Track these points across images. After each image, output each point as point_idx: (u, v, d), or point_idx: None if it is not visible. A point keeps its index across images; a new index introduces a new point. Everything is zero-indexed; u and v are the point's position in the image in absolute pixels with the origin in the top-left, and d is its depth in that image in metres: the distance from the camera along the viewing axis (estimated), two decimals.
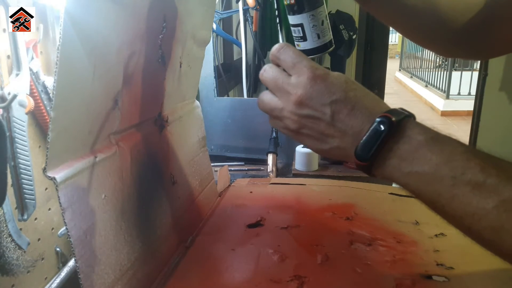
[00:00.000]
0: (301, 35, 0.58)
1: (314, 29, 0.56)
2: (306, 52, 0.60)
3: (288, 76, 0.45)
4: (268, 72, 0.47)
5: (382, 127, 0.39)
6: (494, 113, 3.16)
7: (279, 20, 1.59)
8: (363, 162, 0.40)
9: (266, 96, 0.48)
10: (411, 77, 8.04)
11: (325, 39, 0.57)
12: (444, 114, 5.83)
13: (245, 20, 1.85)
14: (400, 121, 0.39)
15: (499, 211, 0.34)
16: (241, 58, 1.81)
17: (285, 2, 0.58)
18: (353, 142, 0.41)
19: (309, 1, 0.55)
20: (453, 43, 0.67)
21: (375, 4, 0.64)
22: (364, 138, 0.40)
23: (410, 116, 0.41)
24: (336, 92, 0.42)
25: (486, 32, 0.62)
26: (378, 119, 0.39)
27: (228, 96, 1.80)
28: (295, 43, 0.61)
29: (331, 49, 0.58)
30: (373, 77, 2.55)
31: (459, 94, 5.93)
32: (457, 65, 6.29)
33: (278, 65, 0.47)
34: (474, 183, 0.36)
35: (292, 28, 0.59)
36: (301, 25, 0.57)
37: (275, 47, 0.47)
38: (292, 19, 0.58)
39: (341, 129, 0.42)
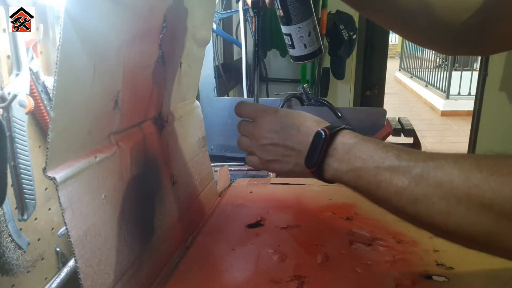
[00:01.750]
0: (290, 43, 0.65)
1: (301, 39, 0.63)
2: (295, 59, 0.67)
3: (250, 122, 0.59)
4: (239, 124, 0.62)
5: (321, 138, 0.49)
6: (494, 113, 3.16)
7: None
8: (312, 169, 0.50)
9: (241, 140, 0.61)
10: (411, 77, 8.04)
11: (312, 48, 0.63)
12: (444, 114, 5.83)
13: (245, 20, 1.85)
14: (334, 132, 0.49)
15: (411, 186, 0.41)
16: (241, 58, 1.81)
17: (277, 14, 0.63)
18: (304, 155, 0.51)
19: (296, 15, 0.61)
20: (452, 41, 0.68)
21: (371, 10, 0.66)
22: (308, 149, 0.50)
23: (345, 128, 0.50)
24: (284, 121, 0.54)
25: (484, 30, 0.63)
26: (317, 132, 0.50)
27: (228, 96, 1.80)
28: (287, 48, 0.67)
29: (319, 55, 0.65)
30: (373, 77, 2.55)
31: (459, 94, 5.93)
32: (457, 65, 6.29)
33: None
34: (392, 168, 0.43)
35: (284, 36, 0.65)
36: (289, 35, 0.63)
37: (236, 106, 0.63)
38: (283, 29, 0.64)
39: (294, 147, 0.52)
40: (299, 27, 0.62)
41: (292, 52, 0.66)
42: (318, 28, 0.63)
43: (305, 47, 0.63)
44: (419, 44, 0.76)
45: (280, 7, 0.62)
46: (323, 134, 0.49)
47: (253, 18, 1.88)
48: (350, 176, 0.48)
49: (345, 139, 0.49)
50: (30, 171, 0.64)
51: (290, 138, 0.53)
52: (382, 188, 0.44)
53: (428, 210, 0.40)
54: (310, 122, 0.52)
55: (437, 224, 0.41)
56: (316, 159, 0.49)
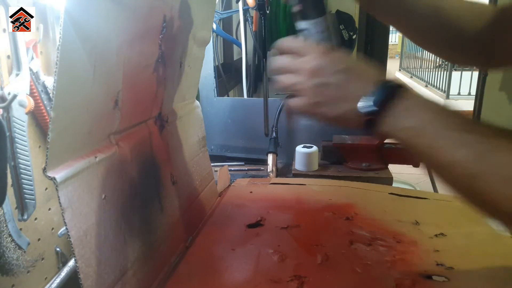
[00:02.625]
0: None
1: (317, 35, 0.59)
2: None
3: (296, 58, 0.52)
4: (280, 59, 0.54)
5: (385, 88, 0.46)
6: (494, 113, 3.16)
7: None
8: (367, 117, 0.47)
9: (282, 78, 0.53)
10: (411, 77, 8.04)
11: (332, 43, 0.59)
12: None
13: (245, 20, 1.85)
14: (399, 85, 0.46)
15: (473, 161, 0.40)
16: (241, 58, 1.81)
17: (293, 8, 0.60)
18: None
19: (311, 11, 0.59)
20: (460, 49, 0.67)
21: (379, 8, 0.65)
22: (371, 96, 0.46)
23: (406, 88, 0.48)
24: (345, 62, 0.49)
25: (493, 42, 0.62)
26: (382, 82, 0.46)
27: (228, 96, 1.80)
28: None
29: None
30: None
31: (459, 94, 5.92)
32: (457, 65, 6.28)
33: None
34: (456, 137, 0.42)
35: (299, 33, 0.62)
36: (306, 29, 0.60)
37: (280, 40, 0.54)
38: (299, 24, 0.61)
39: (352, 91, 0.48)
40: (315, 23, 0.59)
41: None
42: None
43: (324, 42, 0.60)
44: (422, 46, 0.75)
45: (297, 1, 0.59)
46: (389, 87, 0.46)
47: (254, 18, 1.88)
48: (408, 134, 0.45)
49: (409, 95, 0.46)
50: (30, 171, 0.64)
51: (350, 81, 0.48)
52: (441, 155, 0.42)
53: (486, 188, 0.39)
54: (373, 70, 0.49)
55: (491, 203, 0.40)
56: (375, 109, 0.46)
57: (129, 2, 0.52)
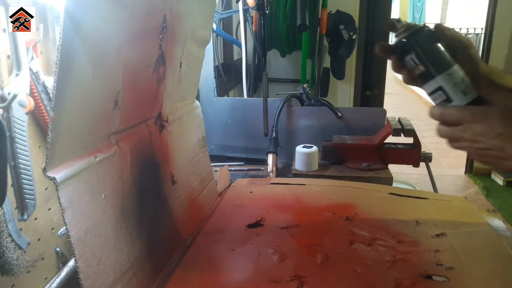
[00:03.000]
0: (445, 97, 0.55)
1: (457, 86, 0.54)
2: None
3: (456, 127, 0.54)
4: (440, 131, 0.57)
5: None
6: None
7: None
8: None
9: (450, 145, 0.57)
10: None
11: (474, 93, 0.53)
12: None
13: (245, 20, 1.85)
14: None
15: None
16: (241, 58, 1.81)
17: (414, 74, 0.56)
18: None
19: (440, 63, 0.54)
20: None
21: None
22: None
23: None
24: (500, 126, 0.51)
25: None
26: None
27: (228, 96, 1.80)
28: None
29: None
30: (373, 77, 2.55)
31: None
32: None
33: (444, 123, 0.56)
34: None
35: (432, 96, 0.57)
36: (440, 88, 0.55)
37: (432, 111, 0.56)
38: (429, 87, 0.56)
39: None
40: (449, 74, 0.53)
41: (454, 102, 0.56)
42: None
43: (465, 94, 0.53)
44: None
45: (418, 62, 0.54)
46: None
47: (254, 18, 1.88)
48: None
49: None
50: (30, 171, 0.64)
51: (509, 143, 0.51)
52: None
53: None
54: None
55: None
56: None
57: (129, 2, 0.52)
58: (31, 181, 0.64)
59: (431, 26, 0.56)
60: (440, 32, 0.56)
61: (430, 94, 0.57)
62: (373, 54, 2.48)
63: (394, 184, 1.10)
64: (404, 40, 0.55)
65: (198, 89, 1.15)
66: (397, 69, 0.59)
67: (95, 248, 0.49)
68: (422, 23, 0.55)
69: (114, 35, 0.50)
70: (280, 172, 1.22)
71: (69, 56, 0.42)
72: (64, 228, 0.45)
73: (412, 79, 0.59)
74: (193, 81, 0.90)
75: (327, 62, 2.23)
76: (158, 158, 0.70)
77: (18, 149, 0.61)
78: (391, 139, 1.15)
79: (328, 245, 0.72)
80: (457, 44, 0.55)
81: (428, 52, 0.54)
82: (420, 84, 0.58)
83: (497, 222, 0.80)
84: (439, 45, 0.54)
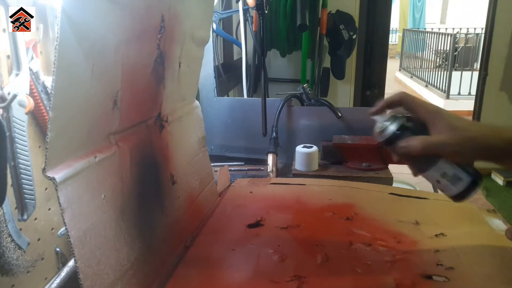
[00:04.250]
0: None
1: (436, 184, 0.57)
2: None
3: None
4: None
5: None
6: (494, 113, 3.16)
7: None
8: None
9: None
10: (411, 77, 8.03)
11: (451, 192, 0.57)
12: None
13: (245, 20, 1.85)
14: None
15: None
16: (241, 58, 1.81)
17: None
18: None
19: (414, 166, 0.58)
20: None
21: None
22: None
23: None
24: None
25: None
26: None
27: (228, 96, 1.80)
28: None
29: (466, 196, 0.57)
30: (373, 77, 2.55)
31: (459, 94, 5.92)
32: (457, 65, 6.29)
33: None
34: None
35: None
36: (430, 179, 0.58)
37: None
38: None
39: None
40: (425, 175, 0.57)
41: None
42: (453, 170, 0.55)
43: (443, 191, 0.58)
44: None
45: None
46: None
47: (254, 18, 1.88)
48: None
49: None
50: (30, 171, 0.64)
51: None
52: None
53: None
54: None
55: None
56: None
57: (127, 1, 0.52)
58: (31, 181, 0.64)
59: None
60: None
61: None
62: (373, 54, 2.48)
63: (394, 184, 1.10)
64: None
65: (198, 89, 1.15)
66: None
67: (94, 248, 0.49)
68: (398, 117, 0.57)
69: (112, 34, 0.50)
70: (280, 172, 1.22)
71: (66, 56, 0.42)
72: (64, 228, 0.44)
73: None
74: (193, 81, 0.90)
75: (327, 62, 2.23)
76: (158, 158, 0.70)
77: (18, 149, 0.61)
78: None
79: (328, 245, 0.72)
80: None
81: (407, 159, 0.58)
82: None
83: (497, 222, 0.80)
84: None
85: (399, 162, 0.60)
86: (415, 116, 0.57)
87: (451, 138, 0.52)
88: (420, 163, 0.57)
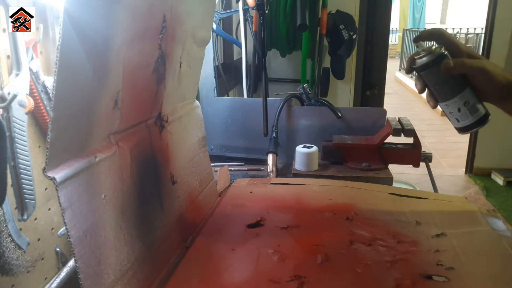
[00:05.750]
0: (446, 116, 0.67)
1: (452, 115, 0.65)
2: (457, 130, 0.68)
3: None
4: None
5: None
6: (494, 113, 3.16)
7: None
8: None
9: None
10: (411, 77, 8.04)
11: (466, 122, 0.64)
12: (444, 114, 5.83)
13: (245, 20, 1.85)
14: None
15: None
16: (241, 58, 1.81)
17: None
18: None
19: (440, 95, 0.64)
20: None
21: None
22: None
23: None
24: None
25: None
26: None
27: (228, 96, 1.80)
28: None
29: (482, 125, 0.65)
30: (373, 77, 2.55)
31: None
32: None
33: None
34: None
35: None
36: (442, 109, 0.66)
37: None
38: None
39: None
40: (446, 105, 0.64)
41: (451, 122, 0.68)
42: (474, 100, 0.63)
43: (458, 121, 0.65)
44: None
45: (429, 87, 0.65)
46: None
47: (254, 18, 1.88)
48: None
49: None
50: (30, 171, 0.64)
51: None
52: None
53: None
54: None
55: None
56: None
57: (129, 2, 0.52)
58: (31, 181, 0.64)
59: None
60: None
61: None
62: (373, 54, 2.48)
63: (394, 184, 1.10)
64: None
65: (198, 89, 1.15)
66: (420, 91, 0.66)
67: (95, 248, 0.49)
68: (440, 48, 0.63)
69: (114, 35, 0.50)
70: (280, 172, 1.22)
71: (68, 56, 0.42)
72: (64, 228, 0.44)
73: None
74: (193, 81, 0.90)
75: (327, 62, 2.23)
76: (158, 158, 0.70)
77: (18, 149, 0.61)
78: (391, 139, 1.15)
79: (328, 245, 0.72)
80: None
81: (429, 87, 0.65)
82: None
83: (497, 222, 0.80)
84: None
85: (423, 90, 0.65)
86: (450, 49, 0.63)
87: (489, 64, 0.61)
88: (449, 88, 0.63)
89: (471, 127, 0.65)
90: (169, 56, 0.69)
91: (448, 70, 0.61)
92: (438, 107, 0.67)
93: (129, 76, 0.56)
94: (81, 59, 0.44)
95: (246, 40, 1.82)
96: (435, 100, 0.65)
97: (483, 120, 0.64)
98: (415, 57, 0.64)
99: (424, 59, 0.63)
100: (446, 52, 0.62)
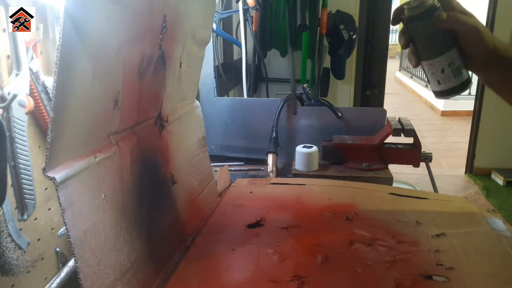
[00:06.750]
0: (426, 78, 0.64)
1: (433, 75, 0.60)
2: (434, 94, 0.63)
3: None
4: None
5: None
6: (494, 113, 3.16)
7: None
8: None
9: None
10: (411, 77, 8.04)
11: (448, 85, 0.60)
12: (444, 114, 5.82)
13: (245, 20, 1.85)
14: None
15: None
16: (241, 58, 1.81)
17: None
18: None
19: (424, 52, 0.59)
20: None
21: (494, 74, 0.61)
22: None
23: None
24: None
25: None
26: None
27: (228, 96, 1.80)
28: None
29: (463, 90, 0.61)
30: (373, 77, 2.55)
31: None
32: None
33: None
34: None
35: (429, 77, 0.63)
36: (423, 69, 0.61)
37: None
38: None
39: None
40: (429, 64, 0.59)
41: (430, 86, 0.63)
42: (459, 62, 0.58)
43: (439, 83, 0.60)
44: None
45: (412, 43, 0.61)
46: None
47: (254, 18, 1.88)
48: None
49: None
50: (30, 171, 0.64)
51: None
52: None
53: None
54: None
55: None
56: None
57: (129, 2, 0.52)
58: (31, 181, 0.64)
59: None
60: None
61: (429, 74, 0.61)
62: (373, 54, 2.48)
63: (394, 184, 1.10)
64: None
65: (198, 89, 1.15)
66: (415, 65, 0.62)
67: (95, 248, 0.49)
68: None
69: (114, 35, 0.50)
70: (280, 172, 1.22)
71: (69, 56, 0.42)
72: (64, 228, 0.44)
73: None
74: (193, 81, 0.90)
75: (327, 62, 2.23)
76: (158, 158, 0.70)
77: (18, 149, 0.61)
78: (391, 139, 1.15)
79: (328, 245, 0.72)
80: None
81: (414, 42, 0.60)
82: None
83: (497, 222, 0.80)
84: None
85: (406, 46, 0.61)
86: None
87: (481, 25, 0.57)
88: (436, 45, 0.59)
89: (452, 91, 0.60)
90: (169, 56, 0.69)
91: (441, 23, 0.56)
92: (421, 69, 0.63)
93: (129, 76, 0.56)
94: (81, 59, 0.44)
95: (246, 40, 1.82)
96: (418, 58, 0.60)
97: (464, 85, 0.59)
98: (405, 6, 0.58)
99: (415, 9, 0.57)
100: (439, 5, 0.57)
